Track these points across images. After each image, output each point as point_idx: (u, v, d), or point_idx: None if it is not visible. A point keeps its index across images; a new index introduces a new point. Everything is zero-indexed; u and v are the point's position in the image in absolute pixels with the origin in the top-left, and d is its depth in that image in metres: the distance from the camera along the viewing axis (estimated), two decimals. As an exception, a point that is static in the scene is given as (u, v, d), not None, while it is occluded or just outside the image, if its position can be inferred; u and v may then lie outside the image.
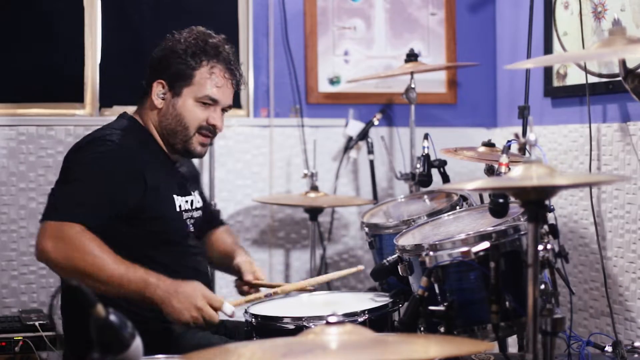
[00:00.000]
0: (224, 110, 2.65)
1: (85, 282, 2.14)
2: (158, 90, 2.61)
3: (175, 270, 2.45)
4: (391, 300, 2.55)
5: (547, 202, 1.72)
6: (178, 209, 2.61)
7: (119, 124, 2.63)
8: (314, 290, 2.71)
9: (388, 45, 4.16)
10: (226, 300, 2.39)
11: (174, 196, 2.61)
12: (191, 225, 2.68)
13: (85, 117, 3.77)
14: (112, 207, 2.42)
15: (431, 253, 2.27)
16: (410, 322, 2.24)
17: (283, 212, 4.06)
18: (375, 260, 2.99)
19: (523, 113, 3.45)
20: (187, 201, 2.66)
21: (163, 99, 2.61)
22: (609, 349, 2.61)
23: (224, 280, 3.96)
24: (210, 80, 2.59)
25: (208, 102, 2.60)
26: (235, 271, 2.77)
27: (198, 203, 2.74)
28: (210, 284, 2.72)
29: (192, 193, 2.72)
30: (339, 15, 4.11)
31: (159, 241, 2.54)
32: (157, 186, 2.52)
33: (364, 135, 4.05)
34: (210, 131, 2.63)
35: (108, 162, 2.46)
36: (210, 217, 2.96)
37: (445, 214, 2.71)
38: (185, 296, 2.31)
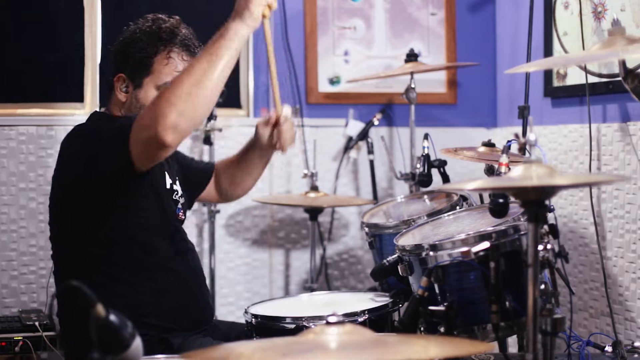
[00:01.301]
0: None
1: (199, 90, 2.12)
2: (120, 85, 2.54)
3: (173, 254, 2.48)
4: (391, 300, 2.55)
5: (547, 202, 1.72)
6: (169, 187, 2.59)
7: (96, 121, 2.59)
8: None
9: (388, 45, 4.16)
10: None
11: (165, 173, 2.59)
12: (180, 211, 2.64)
13: (85, 117, 3.76)
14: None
15: (431, 253, 2.27)
16: (410, 322, 2.24)
17: (283, 212, 4.06)
18: (375, 260, 2.99)
19: (523, 113, 3.45)
20: (171, 184, 2.63)
21: (126, 92, 2.54)
22: (609, 349, 2.61)
23: (224, 280, 3.96)
24: (168, 66, 2.51)
25: None
26: (257, 135, 2.78)
27: (179, 192, 2.69)
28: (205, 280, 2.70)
29: (176, 182, 2.68)
30: (339, 15, 4.11)
31: (154, 219, 2.51)
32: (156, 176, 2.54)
33: (364, 135, 4.05)
34: None
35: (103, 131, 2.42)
36: (204, 167, 3.00)
37: (445, 214, 2.71)
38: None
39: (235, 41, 2.23)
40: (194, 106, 2.15)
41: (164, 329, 2.43)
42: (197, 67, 2.18)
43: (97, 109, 2.71)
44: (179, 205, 2.63)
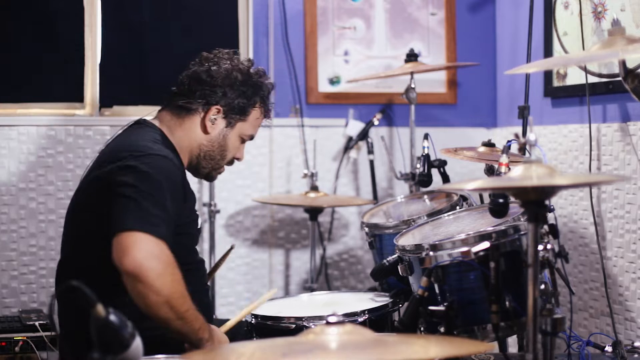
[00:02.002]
0: None
1: (163, 310, 2.11)
2: (212, 115, 2.56)
3: (196, 290, 2.40)
4: (391, 300, 2.55)
5: (547, 202, 1.72)
6: (199, 226, 2.60)
7: (152, 137, 2.49)
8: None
9: (388, 45, 4.16)
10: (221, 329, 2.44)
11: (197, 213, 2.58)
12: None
13: (85, 117, 3.77)
14: (172, 225, 2.31)
15: (431, 253, 2.27)
16: (410, 322, 2.24)
17: (283, 212, 4.06)
18: (375, 260, 2.99)
19: (523, 113, 3.45)
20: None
21: (213, 124, 2.56)
22: (609, 349, 2.61)
23: (224, 280, 3.96)
24: (257, 121, 2.64)
25: (247, 139, 2.65)
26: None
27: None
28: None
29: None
30: (339, 15, 4.11)
31: (186, 257, 2.48)
32: (192, 204, 2.50)
33: (364, 135, 4.05)
34: (232, 163, 2.67)
35: (169, 177, 2.33)
36: None
37: (445, 214, 2.71)
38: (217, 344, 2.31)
39: (193, 334, 2.23)
40: (152, 294, 2.13)
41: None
42: (184, 296, 2.18)
43: (146, 119, 2.59)
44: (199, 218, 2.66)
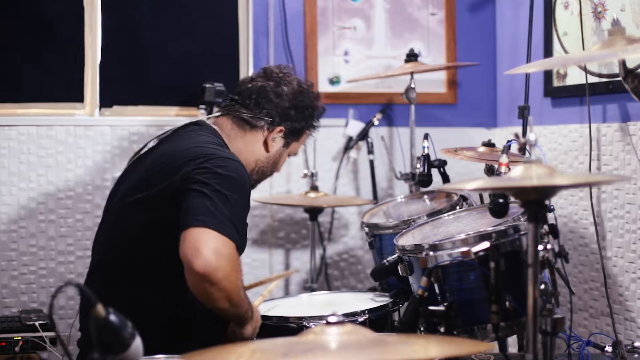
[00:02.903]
0: None
1: (222, 303, 2.17)
2: (275, 135, 2.64)
3: None
4: (391, 300, 2.55)
5: (547, 202, 1.72)
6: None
7: (218, 142, 2.53)
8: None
9: (388, 45, 4.16)
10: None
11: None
12: None
13: (85, 117, 3.77)
14: (241, 231, 2.34)
15: (431, 253, 2.27)
16: (410, 322, 2.24)
17: (283, 212, 4.06)
18: (375, 260, 2.99)
19: (523, 113, 3.45)
20: None
21: (273, 142, 2.65)
22: (609, 349, 2.61)
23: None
24: (305, 139, 2.76)
25: (292, 156, 2.78)
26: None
27: None
28: None
29: None
30: (339, 15, 4.11)
31: None
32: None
33: (364, 135, 4.05)
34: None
35: (245, 187, 2.37)
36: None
37: (445, 214, 2.71)
38: (256, 328, 2.38)
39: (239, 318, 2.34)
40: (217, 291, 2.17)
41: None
42: (240, 289, 2.26)
43: (205, 118, 2.63)
44: None
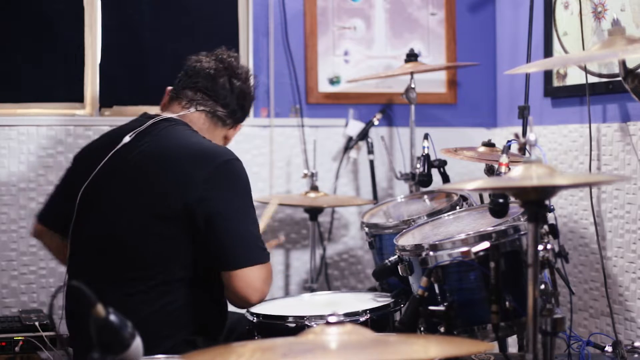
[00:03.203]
0: None
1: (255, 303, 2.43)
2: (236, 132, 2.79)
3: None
4: (392, 300, 2.55)
5: (547, 202, 1.72)
6: None
7: (202, 138, 2.62)
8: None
9: (388, 45, 4.16)
10: None
11: None
12: None
13: (85, 117, 3.77)
14: None
15: (431, 253, 2.27)
16: (410, 322, 2.24)
17: (283, 212, 4.06)
18: (375, 260, 2.99)
19: (523, 113, 3.45)
20: None
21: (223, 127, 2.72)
22: (609, 349, 2.61)
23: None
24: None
25: None
26: None
27: None
28: None
29: None
30: (339, 15, 4.11)
31: None
32: None
33: (364, 135, 4.05)
34: None
35: (249, 183, 2.50)
36: None
37: (445, 214, 2.71)
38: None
39: None
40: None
41: (197, 331, 2.49)
42: None
43: (176, 115, 2.64)
44: None
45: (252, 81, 2.76)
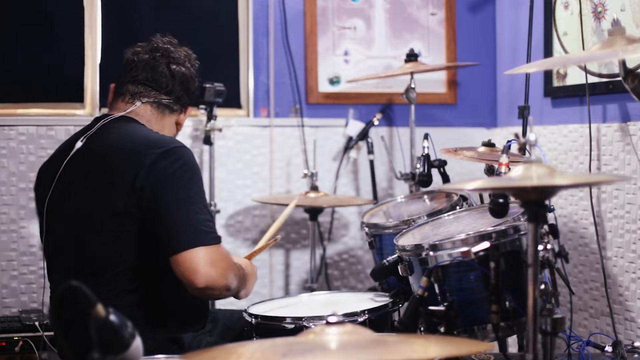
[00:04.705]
0: None
1: (225, 294, 2.37)
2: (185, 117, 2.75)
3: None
4: (391, 300, 2.55)
5: (547, 202, 1.72)
6: None
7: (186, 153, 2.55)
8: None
9: (388, 45, 4.16)
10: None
11: None
12: None
13: (85, 117, 3.77)
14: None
15: (431, 253, 2.27)
16: (410, 322, 2.24)
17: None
18: (375, 260, 2.99)
19: (523, 113, 3.45)
20: None
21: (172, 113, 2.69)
22: (609, 349, 2.61)
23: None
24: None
25: None
26: None
27: None
28: None
29: None
30: (339, 15, 4.11)
31: None
32: None
33: (364, 135, 4.05)
34: None
35: (198, 168, 2.44)
36: None
37: (445, 214, 2.71)
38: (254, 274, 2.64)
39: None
40: (222, 292, 2.38)
41: (178, 329, 2.46)
42: (244, 276, 2.51)
43: (124, 112, 2.61)
44: None
45: (192, 62, 2.70)
